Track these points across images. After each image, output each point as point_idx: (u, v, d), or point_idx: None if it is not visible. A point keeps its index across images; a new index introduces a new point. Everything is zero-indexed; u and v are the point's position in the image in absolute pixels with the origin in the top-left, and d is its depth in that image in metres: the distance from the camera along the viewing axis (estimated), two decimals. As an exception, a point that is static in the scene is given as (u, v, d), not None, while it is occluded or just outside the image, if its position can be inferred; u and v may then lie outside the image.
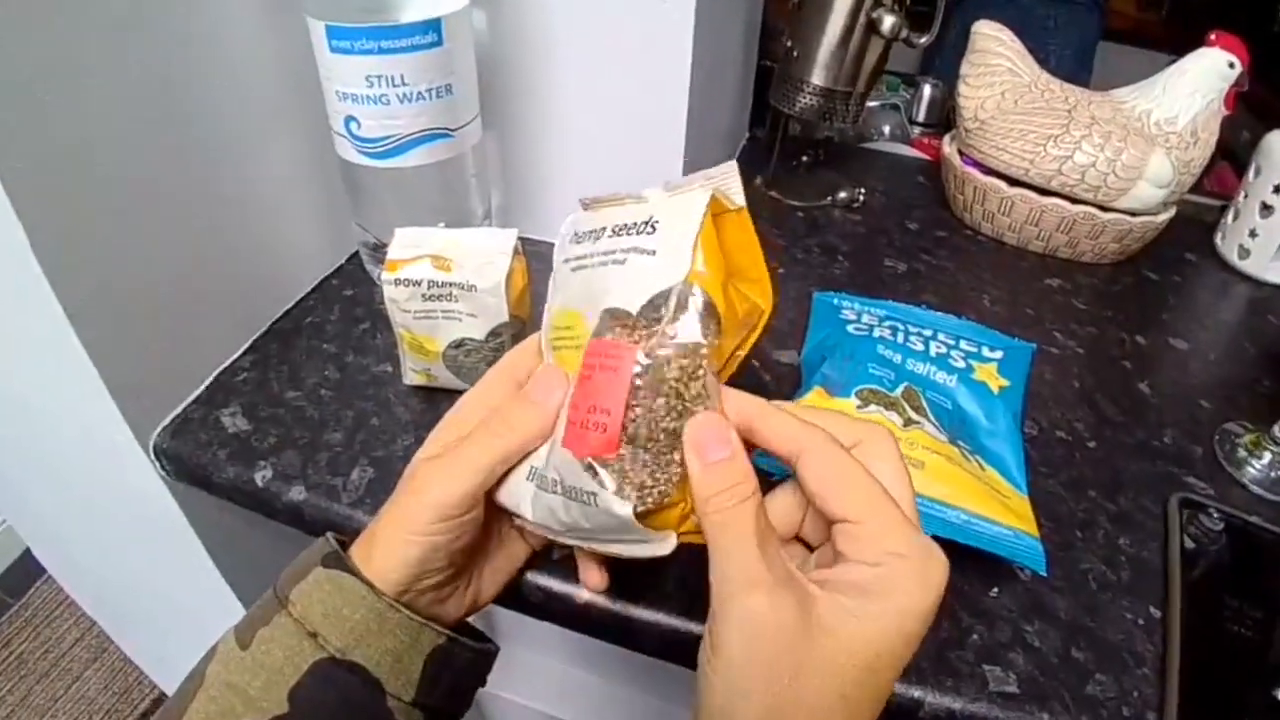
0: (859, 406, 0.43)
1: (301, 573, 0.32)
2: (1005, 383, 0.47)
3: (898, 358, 0.47)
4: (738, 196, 0.30)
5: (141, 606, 0.66)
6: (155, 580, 0.59)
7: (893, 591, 0.25)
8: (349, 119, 0.47)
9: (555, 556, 0.39)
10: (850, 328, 0.50)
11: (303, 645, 0.30)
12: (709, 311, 0.29)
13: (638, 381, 0.28)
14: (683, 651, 0.38)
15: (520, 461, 0.32)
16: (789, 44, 0.65)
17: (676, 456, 0.29)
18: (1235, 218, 0.73)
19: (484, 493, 0.31)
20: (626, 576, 0.39)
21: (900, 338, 0.48)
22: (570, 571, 0.39)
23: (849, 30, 0.62)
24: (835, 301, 0.53)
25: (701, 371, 0.29)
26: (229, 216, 0.48)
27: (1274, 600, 0.41)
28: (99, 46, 0.37)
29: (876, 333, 0.49)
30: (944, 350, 0.48)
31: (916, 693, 0.36)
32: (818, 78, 0.64)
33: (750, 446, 0.29)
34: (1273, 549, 0.45)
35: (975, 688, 0.36)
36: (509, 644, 0.43)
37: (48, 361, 0.41)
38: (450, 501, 0.30)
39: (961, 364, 0.47)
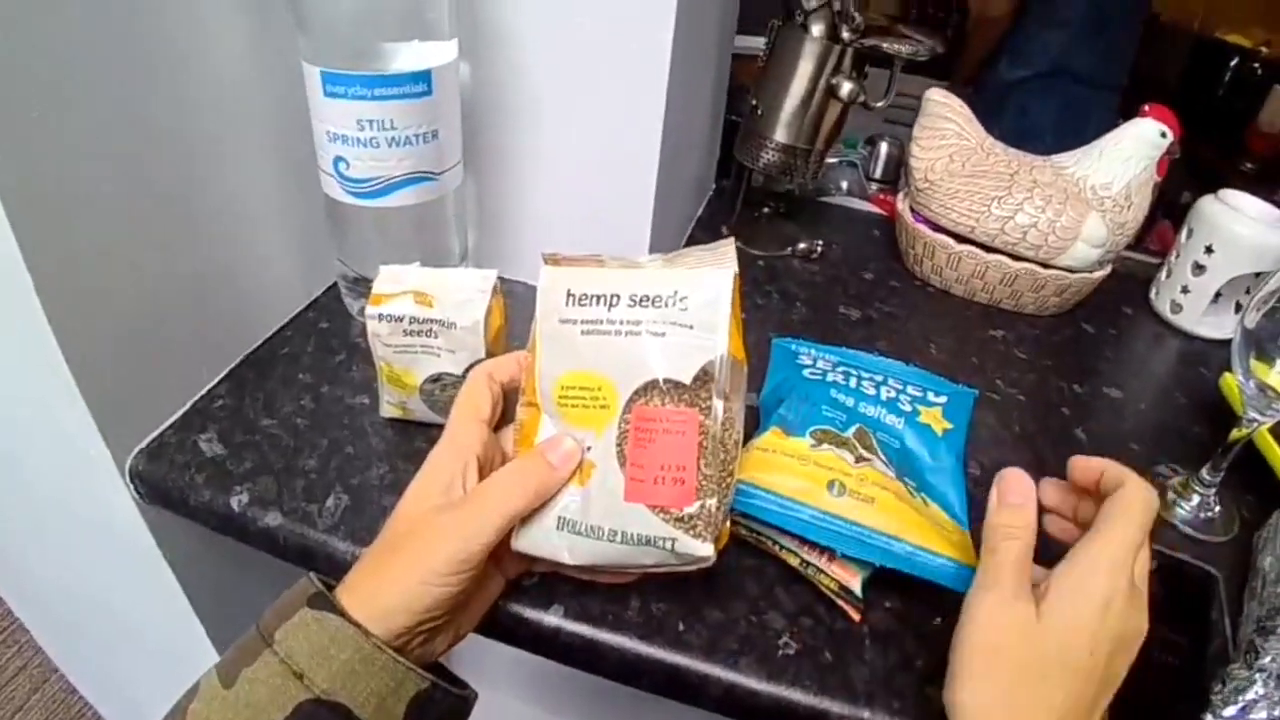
0: (813, 446, 0.44)
1: (287, 612, 0.33)
2: (949, 425, 0.49)
3: (850, 401, 0.49)
4: (734, 266, 0.35)
5: (97, 633, 0.65)
6: (115, 604, 0.59)
7: (1092, 591, 0.34)
8: (338, 159, 0.49)
9: (526, 585, 0.41)
10: (806, 372, 0.52)
11: (288, 685, 0.31)
12: (738, 374, 0.36)
13: (704, 441, 0.34)
14: (642, 675, 0.40)
15: (533, 516, 0.36)
16: (754, 103, 0.69)
17: (729, 497, 0.36)
18: (1169, 275, 0.78)
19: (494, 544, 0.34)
20: (592, 603, 0.40)
21: (853, 382, 0.51)
22: (538, 599, 0.41)
23: (810, 93, 0.66)
24: (793, 347, 0.56)
25: (737, 421, 0.36)
26: (210, 246, 0.49)
27: (1200, 630, 0.44)
28: (97, 77, 0.39)
29: (830, 377, 0.51)
30: (893, 394, 0.50)
31: (865, 714, 0.38)
32: (780, 135, 0.69)
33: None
34: (1201, 583, 0.48)
35: (922, 711, 0.38)
36: (489, 690, 0.44)
37: (29, 376, 0.42)
38: (474, 551, 0.33)
39: (908, 408, 0.50)
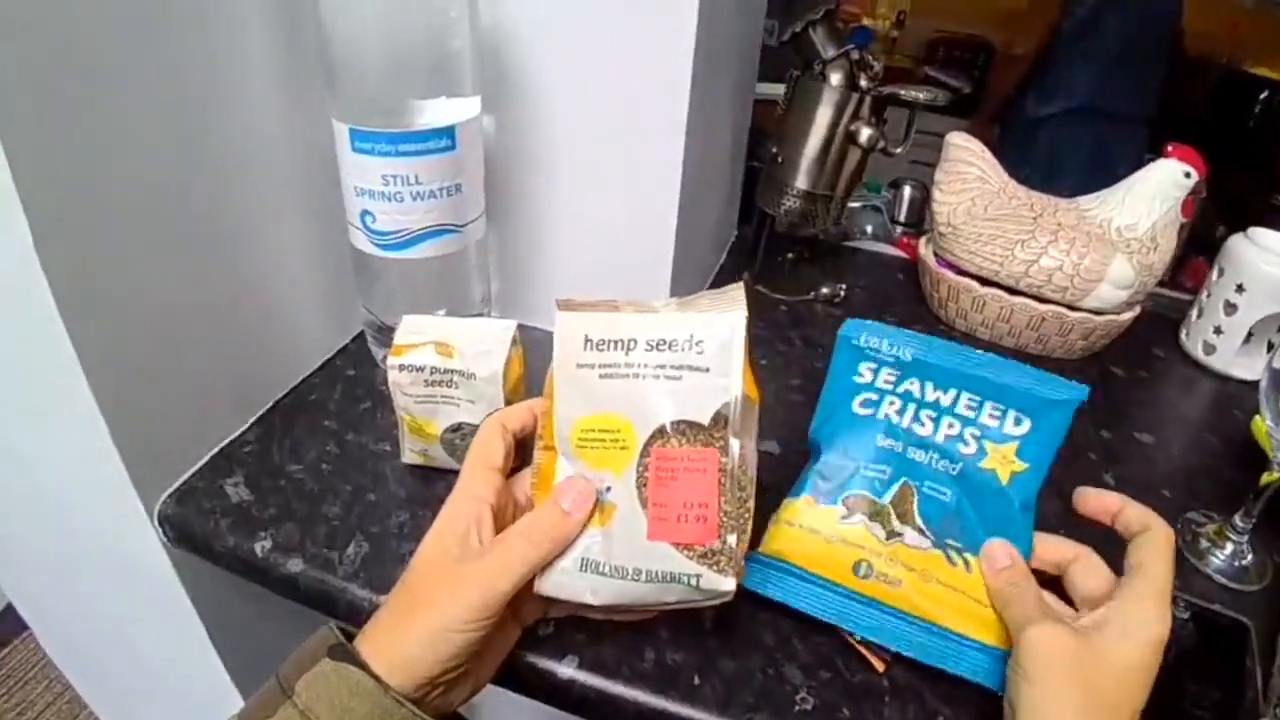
0: (843, 518, 0.43)
1: (307, 663, 0.33)
2: (1021, 467, 0.42)
3: (899, 446, 0.43)
4: (744, 308, 0.37)
5: (122, 673, 0.66)
6: (141, 646, 0.60)
7: (1146, 628, 0.35)
8: (365, 213, 0.51)
9: (540, 634, 0.41)
10: (857, 401, 0.45)
11: None
12: (750, 412, 0.38)
13: (723, 480, 0.35)
14: (659, 728, 0.40)
15: (556, 559, 0.36)
16: (774, 150, 0.70)
17: (748, 533, 0.36)
18: (1200, 315, 0.77)
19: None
20: (607, 653, 0.40)
21: (907, 417, 0.44)
22: (553, 650, 0.41)
23: (829, 140, 0.67)
24: (857, 340, 0.46)
25: (752, 459, 0.38)
26: (243, 296, 0.51)
27: (1232, 682, 0.43)
28: (140, 146, 0.41)
29: (882, 411, 0.44)
30: (955, 432, 0.43)
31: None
32: (801, 182, 0.69)
33: None
34: (1235, 635, 0.46)
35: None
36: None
37: (61, 421, 0.43)
38: (495, 600, 0.34)
39: (971, 449, 0.43)
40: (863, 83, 0.65)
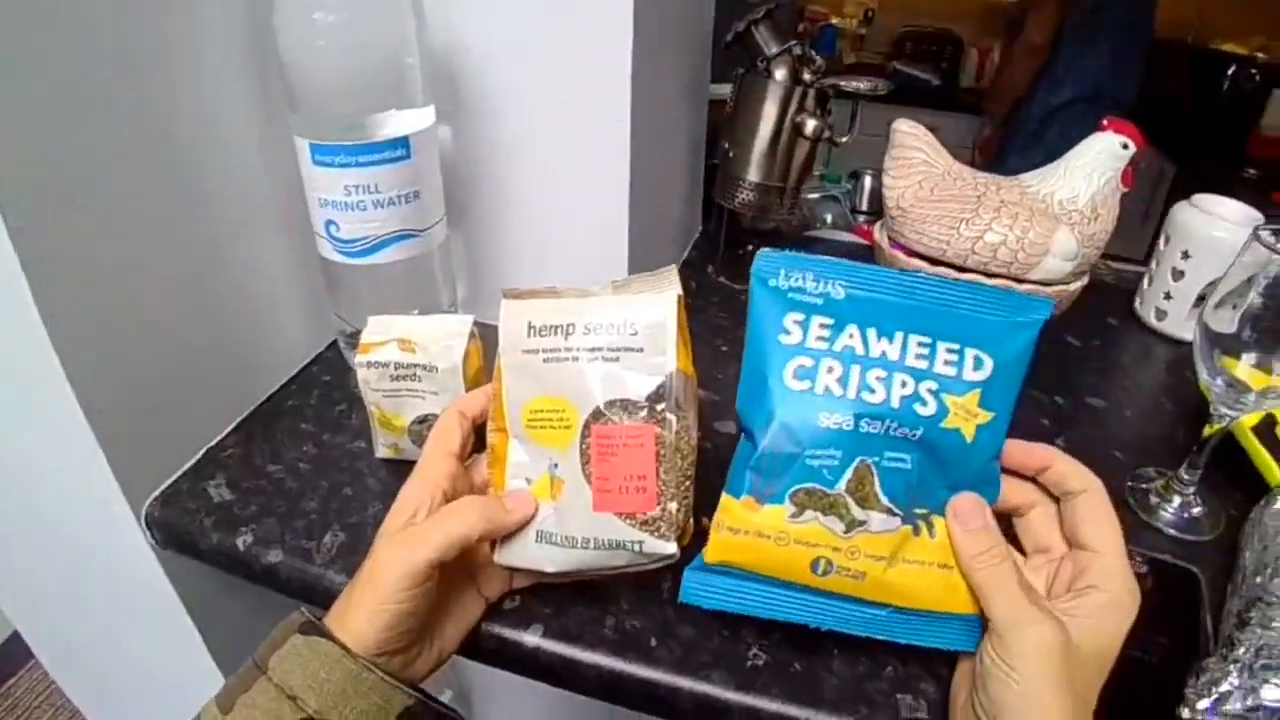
0: (793, 516, 0.37)
1: (279, 642, 0.35)
2: (986, 417, 0.37)
3: (847, 422, 0.37)
4: (677, 289, 0.39)
5: (123, 684, 0.68)
6: (135, 649, 0.62)
7: (1118, 612, 0.35)
8: (329, 222, 0.54)
9: (506, 607, 0.43)
10: (789, 373, 0.38)
11: (283, 708, 0.33)
12: (688, 387, 0.40)
13: (661, 451, 0.38)
14: (619, 691, 0.42)
15: (515, 534, 0.39)
16: (726, 146, 0.73)
17: (689, 498, 0.39)
18: (1151, 283, 0.80)
19: (439, 564, 0.36)
20: (570, 622, 0.43)
21: (853, 384, 0.37)
22: (518, 620, 0.43)
23: (777, 133, 0.70)
24: (775, 278, 0.38)
25: (691, 433, 0.40)
26: (222, 307, 0.54)
27: (1179, 629, 0.45)
28: (120, 152, 0.44)
29: (821, 383, 0.37)
30: (909, 391, 0.37)
31: (833, 720, 0.40)
32: (754, 174, 0.72)
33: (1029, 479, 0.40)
34: (1185, 583, 0.48)
35: (888, 716, 0.40)
36: None
37: (49, 430, 0.46)
38: (416, 568, 0.35)
39: (931, 408, 0.37)
40: (806, 76, 0.68)
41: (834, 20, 2.96)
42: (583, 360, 0.38)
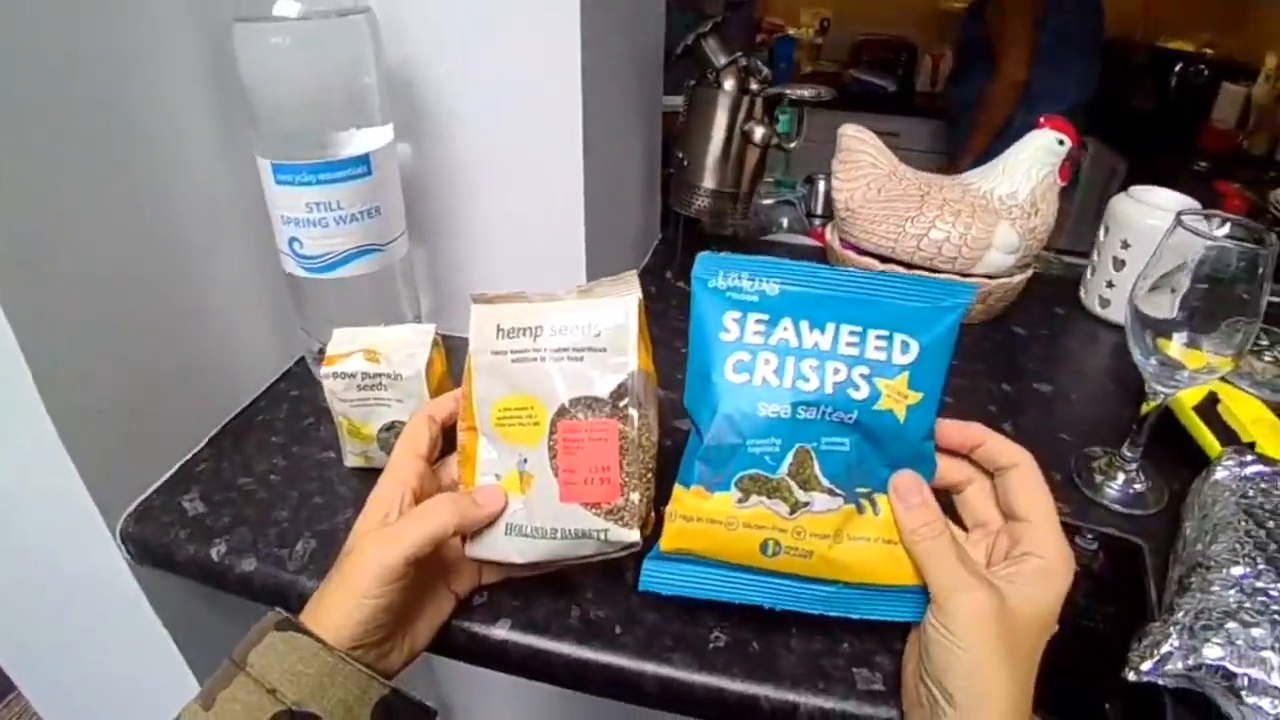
0: (739, 501, 0.39)
1: (255, 640, 0.37)
2: (916, 398, 0.40)
3: (784, 411, 0.39)
4: (638, 292, 0.42)
5: (99, 701, 0.68)
6: (112, 666, 0.62)
7: (1053, 578, 0.37)
8: (292, 239, 0.55)
9: (476, 603, 0.45)
10: (729, 367, 0.40)
11: (263, 701, 0.34)
12: (648, 385, 0.42)
13: (624, 444, 0.40)
14: (588, 679, 0.44)
15: (485, 527, 0.41)
16: (680, 155, 0.75)
17: (650, 489, 0.41)
18: (1093, 272, 0.83)
19: (415, 560, 0.38)
20: (536, 614, 0.45)
21: (788, 375, 0.40)
22: (486, 615, 0.45)
23: (728, 140, 0.73)
24: (714, 279, 0.41)
25: (652, 428, 0.42)
26: (191, 325, 0.55)
27: (1125, 599, 0.47)
28: (93, 194, 0.46)
29: (759, 375, 0.40)
30: (842, 377, 0.40)
31: (791, 696, 0.42)
32: (708, 181, 0.75)
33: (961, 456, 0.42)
34: (1130, 555, 0.51)
35: (845, 689, 0.42)
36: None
37: (25, 450, 0.47)
38: (394, 564, 0.37)
39: (864, 392, 0.40)
40: (753, 86, 0.71)
41: (790, 31, 3.02)
42: (549, 360, 0.41)
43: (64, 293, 0.45)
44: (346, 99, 0.53)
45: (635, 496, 0.40)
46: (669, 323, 0.75)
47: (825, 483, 0.39)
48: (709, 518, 0.39)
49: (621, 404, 0.40)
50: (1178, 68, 2.55)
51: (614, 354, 0.40)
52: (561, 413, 0.40)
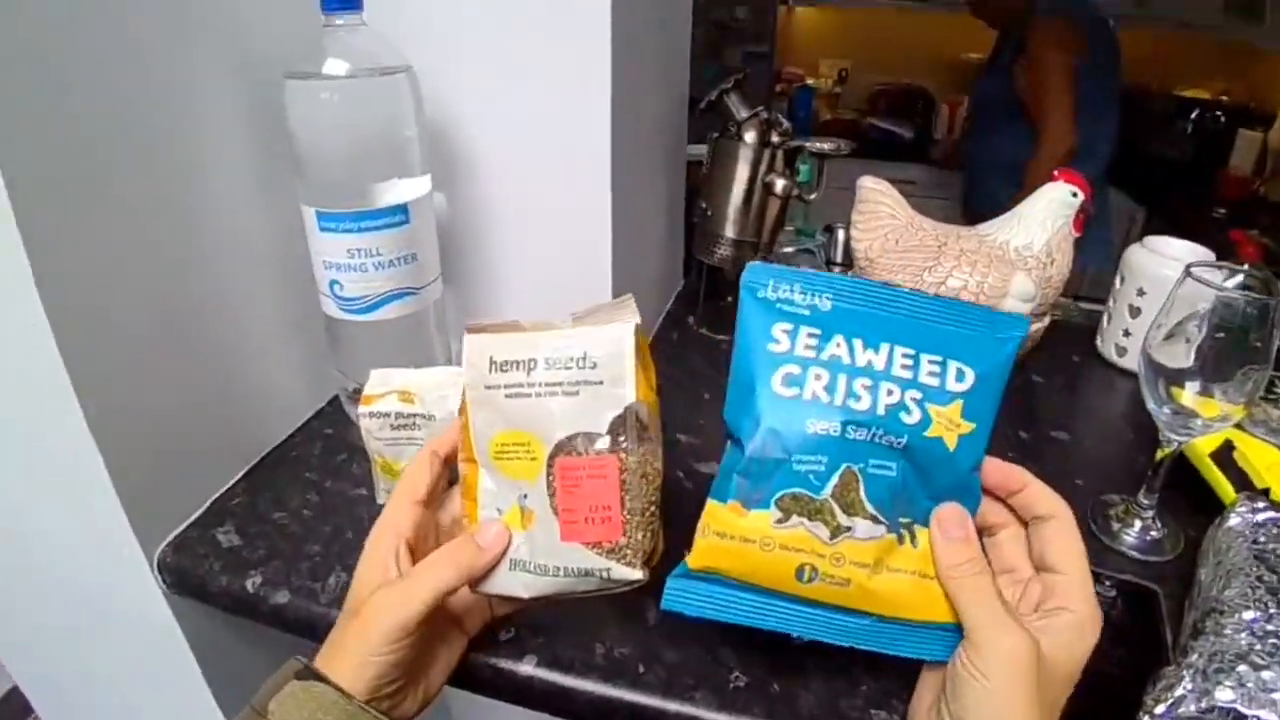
0: (778, 521, 0.38)
1: (277, 688, 0.37)
2: (968, 428, 0.39)
3: (835, 429, 0.38)
4: (635, 318, 0.40)
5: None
6: (140, 698, 0.64)
7: (1085, 634, 0.37)
8: (333, 282, 0.58)
9: (502, 638, 0.46)
10: (778, 380, 0.39)
11: None
12: (650, 418, 0.40)
13: (624, 480, 0.39)
14: (613, 716, 0.44)
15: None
16: (704, 205, 0.78)
17: (655, 522, 0.40)
18: (1110, 321, 0.84)
19: (425, 616, 0.38)
20: (561, 651, 0.46)
21: (840, 392, 0.38)
22: (514, 652, 0.46)
23: (750, 192, 0.75)
24: (765, 289, 0.40)
25: (656, 458, 0.41)
26: (229, 365, 0.57)
27: (1141, 643, 0.48)
28: (129, 229, 0.48)
29: (809, 390, 0.38)
30: (895, 400, 0.38)
31: (813, 736, 0.42)
32: (730, 231, 0.77)
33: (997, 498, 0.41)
34: (1146, 601, 0.51)
35: (863, 729, 0.42)
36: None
37: (67, 481, 0.49)
38: (406, 623, 0.37)
39: (915, 417, 0.38)
40: (774, 139, 0.74)
41: (809, 81, 3.08)
42: (545, 395, 0.39)
43: (113, 329, 0.47)
44: (388, 151, 0.56)
45: (639, 535, 0.39)
46: (691, 368, 0.76)
47: (869, 508, 0.38)
48: (743, 536, 0.38)
49: (620, 439, 0.39)
50: (1194, 115, 2.58)
51: (611, 385, 0.38)
52: (559, 449, 0.39)
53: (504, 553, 0.41)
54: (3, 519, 0.54)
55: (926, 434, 0.38)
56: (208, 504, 0.56)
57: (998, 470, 0.40)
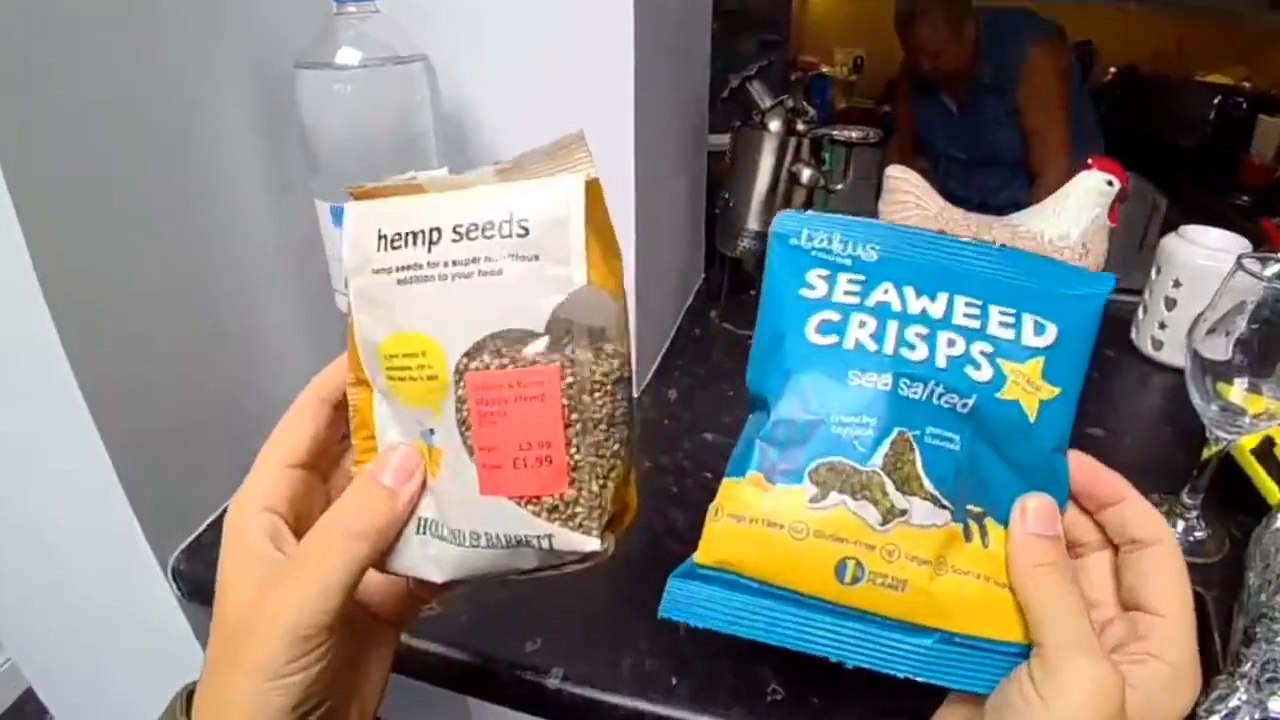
0: (814, 501, 0.29)
1: None
2: (1051, 392, 0.31)
3: (884, 382, 0.30)
4: (590, 169, 0.28)
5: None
6: (152, 702, 0.62)
7: (1182, 691, 0.29)
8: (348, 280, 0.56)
9: (528, 649, 0.44)
10: (812, 326, 0.31)
11: None
12: (612, 311, 0.28)
13: (570, 404, 0.27)
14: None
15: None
16: (726, 196, 0.76)
17: (619, 468, 0.28)
18: (1145, 313, 0.82)
19: (336, 615, 0.27)
20: (590, 664, 0.44)
21: (890, 339, 0.30)
22: (541, 664, 0.44)
23: (775, 182, 0.73)
24: (798, 236, 0.32)
25: (625, 371, 0.28)
26: (242, 369, 0.56)
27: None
28: (138, 232, 0.46)
29: (851, 337, 0.31)
30: (959, 351, 0.30)
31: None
32: (753, 223, 0.75)
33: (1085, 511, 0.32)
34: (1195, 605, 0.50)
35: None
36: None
37: (79, 488, 0.48)
38: (317, 625, 0.26)
39: (986, 373, 0.30)
40: (799, 127, 0.71)
41: (824, 69, 3.05)
42: (451, 278, 0.27)
43: (121, 329, 0.46)
44: (404, 144, 0.54)
45: (594, 484, 0.27)
46: (714, 363, 0.74)
47: (929, 486, 0.29)
48: (768, 519, 0.29)
49: (565, 342, 0.27)
50: (1216, 101, 2.53)
51: (550, 262, 0.26)
52: (470, 358, 0.27)
53: (421, 490, 0.29)
54: (17, 528, 0.53)
55: (1000, 395, 0.30)
56: (221, 509, 0.55)
57: (1087, 471, 0.31)
